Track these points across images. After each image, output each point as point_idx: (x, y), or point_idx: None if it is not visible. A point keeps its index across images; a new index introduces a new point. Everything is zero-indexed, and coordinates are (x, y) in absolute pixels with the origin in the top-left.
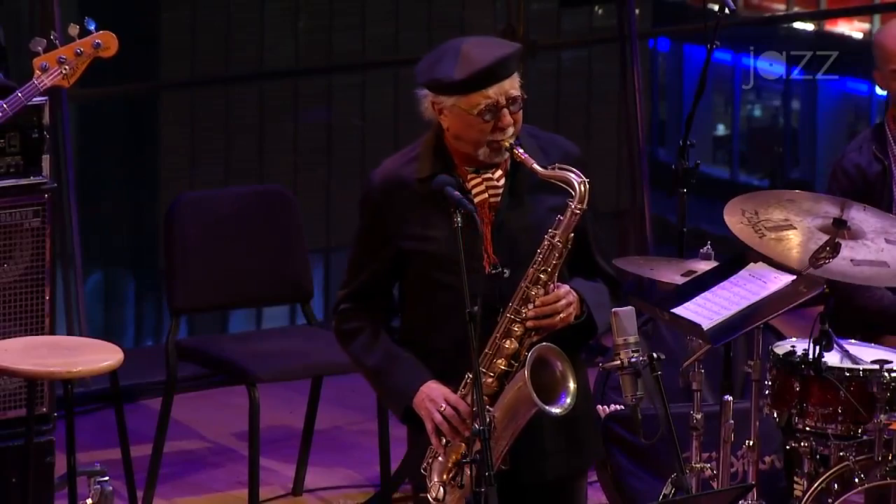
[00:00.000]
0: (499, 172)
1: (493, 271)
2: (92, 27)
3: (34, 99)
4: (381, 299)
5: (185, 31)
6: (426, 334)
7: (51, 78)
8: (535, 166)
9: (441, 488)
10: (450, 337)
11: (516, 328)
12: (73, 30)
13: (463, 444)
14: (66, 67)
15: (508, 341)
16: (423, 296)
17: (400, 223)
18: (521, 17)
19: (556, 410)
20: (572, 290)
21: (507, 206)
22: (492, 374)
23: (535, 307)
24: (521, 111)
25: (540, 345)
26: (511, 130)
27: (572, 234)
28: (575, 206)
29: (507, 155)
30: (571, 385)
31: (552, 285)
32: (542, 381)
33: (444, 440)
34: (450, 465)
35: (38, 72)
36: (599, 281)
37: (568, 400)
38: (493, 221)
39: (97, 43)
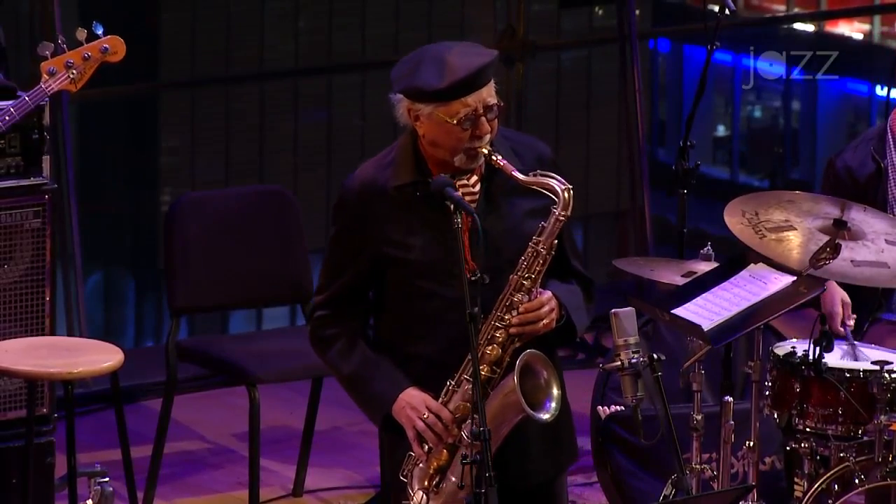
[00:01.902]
0: (474, 178)
1: (473, 278)
2: (100, 31)
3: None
4: (357, 305)
5: (185, 31)
6: (404, 341)
7: (58, 82)
8: (516, 173)
9: (423, 495)
10: (429, 344)
11: (499, 335)
12: (81, 34)
13: (445, 451)
14: (74, 72)
15: (491, 348)
16: (402, 302)
17: (378, 229)
18: (521, 18)
19: (544, 416)
20: (553, 296)
21: (484, 212)
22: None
23: (518, 314)
24: (496, 119)
25: (527, 352)
26: (487, 138)
27: (556, 241)
28: (559, 214)
29: (482, 160)
30: (556, 391)
31: (535, 292)
32: (526, 387)
33: (427, 447)
34: (431, 471)
35: (45, 76)
36: (573, 282)
37: (553, 405)
38: (469, 227)
39: (105, 47)
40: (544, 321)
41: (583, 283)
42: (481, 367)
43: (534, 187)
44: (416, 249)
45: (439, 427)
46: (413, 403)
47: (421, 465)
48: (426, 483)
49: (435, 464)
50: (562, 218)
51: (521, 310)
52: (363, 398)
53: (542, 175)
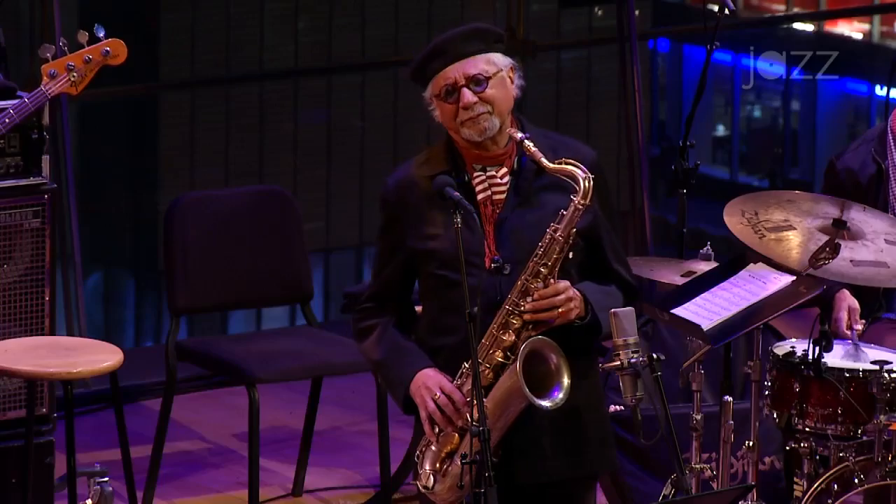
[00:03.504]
0: (503, 170)
1: (494, 265)
2: (101, 34)
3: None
4: (398, 299)
5: (186, 31)
6: (436, 330)
7: (59, 85)
8: (543, 160)
9: (432, 477)
10: (456, 333)
11: (514, 321)
12: (83, 37)
13: (456, 435)
14: (75, 75)
15: (506, 333)
16: (432, 293)
17: (411, 223)
18: (521, 18)
19: (546, 404)
20: (573, 288)
21: (511, 204)
22: (488, 365)
23: (532, 300)
24: (496, 90)
25: (534, 338)
26: (481, 108)
27: (575, 230)
28: (578, 202)
29: (493, 127)
30: (565, 380)
31: (552, 280)
32: (536, 374)
33: (437, 429)
34: (442, 454)
35: (46, 78)
36: (613, 286)
37: (560, 394)
38: (495, 219)
39: (106, 51)
40: (560, 309)
41: (625, 289)
42: (495, 353)
43: (557, 174)
44: (440, 240)
45: (450, 409)
46: (428, 384)
47: (433, 446)
48: (437, 465)
49: (447, 447)
50: (580, 206)
51: (535, 296)
52: (389, 382)
53: (566, 162)
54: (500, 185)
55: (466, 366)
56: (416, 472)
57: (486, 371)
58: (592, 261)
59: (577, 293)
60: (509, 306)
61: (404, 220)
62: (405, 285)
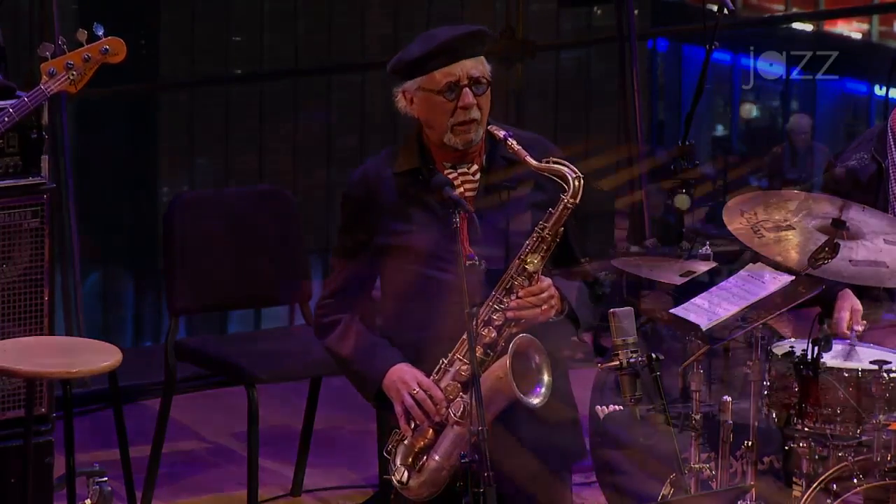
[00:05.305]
0: (474, 167)
1: (468, 262)
2: (100, 32)
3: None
4: (360, 295)
5: (185, 30)
6: (404, 326)
7: (58, 83)
8: (529, 159)
9: (406, 472)
10: (427, 328)
11: (496, 318)
12: (82, 35)
13: (431, 430)
14: (74, 73)
15: (487, 330)
16: (403, 290)
17: (377, 218)
18: (521, 18)
19: (533, 401)
20: (553, 285)
21: (483, 201)
22: (467, 362)
23: (517, 298)
24: (487, 98)
25: (520, 336)
26: (476, 113)
27: (562, 229)
28: (568, 201)
29: (478, 137)
30: (546, 377)
31: (537, 278)
32: (517, 371)
33: (413, 424)
34: (416, 449)
35: (45, 77)
36: (581, 282)
37: (543, 390)
38: (468, 216)
39: (105, 49)
40: (543, 307)
41: (591, 284)
42: (475, 349)
43: (545, 173)
44: (415, 235)
45: (429, 404)
46: (404, 378)
47: (406, 441)
48: (409, 460)
49: (421, 442)
50: (570, 205)
51: (520, 294)
52: (358, 377)
53: (554, 162)
54: (472, 182)
55: (444, 361)
56: (389, 467)
57: (466, 367)
58: (559, 253)
59: (556, 291)
60: (493, 303)
61: (372, 216)
62: (367, 281)
